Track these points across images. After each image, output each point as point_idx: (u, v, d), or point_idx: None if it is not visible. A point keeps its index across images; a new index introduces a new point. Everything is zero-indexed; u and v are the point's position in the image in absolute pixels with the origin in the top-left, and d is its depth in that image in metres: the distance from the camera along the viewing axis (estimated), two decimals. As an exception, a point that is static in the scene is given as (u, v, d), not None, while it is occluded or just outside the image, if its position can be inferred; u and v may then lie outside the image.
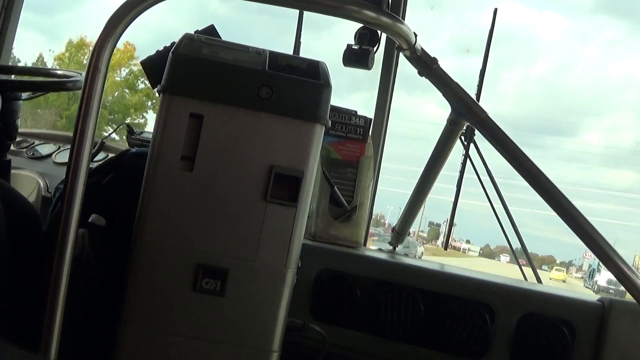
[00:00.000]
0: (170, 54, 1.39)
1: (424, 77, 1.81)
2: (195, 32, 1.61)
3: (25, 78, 2.56)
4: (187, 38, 1.45)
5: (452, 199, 2.51)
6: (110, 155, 2.42)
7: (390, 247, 2.40)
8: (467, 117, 1.83)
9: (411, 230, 2.31)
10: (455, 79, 1.81)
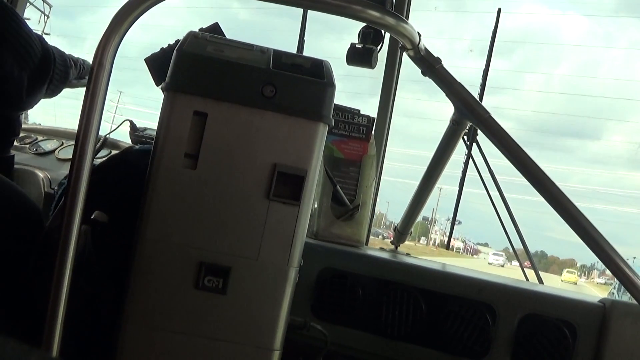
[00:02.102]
0: (174, 51, 1.39)
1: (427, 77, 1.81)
2: (199, 30, 1.61)
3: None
4: (191, 36, 1.45)
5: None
6: (114, 151, 2.42)
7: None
8: (470, 117, 1.84)
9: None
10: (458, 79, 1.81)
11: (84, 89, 1.32)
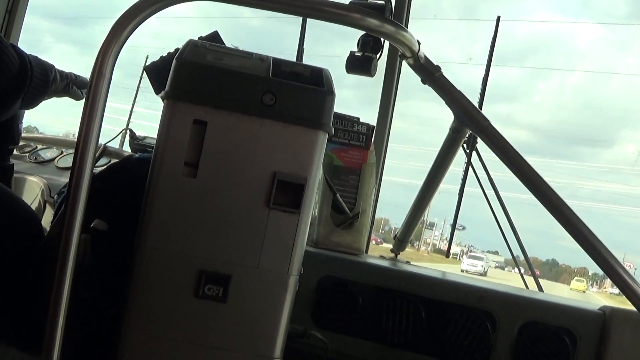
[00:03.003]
0: (174, 60, 1.39)
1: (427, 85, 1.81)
2: (199, 38, 1.61)
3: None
4: (191, 44, 1.45)
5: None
6: (113, 160, 2.42)
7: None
8: (469, 125, 1.84)
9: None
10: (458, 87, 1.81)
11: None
